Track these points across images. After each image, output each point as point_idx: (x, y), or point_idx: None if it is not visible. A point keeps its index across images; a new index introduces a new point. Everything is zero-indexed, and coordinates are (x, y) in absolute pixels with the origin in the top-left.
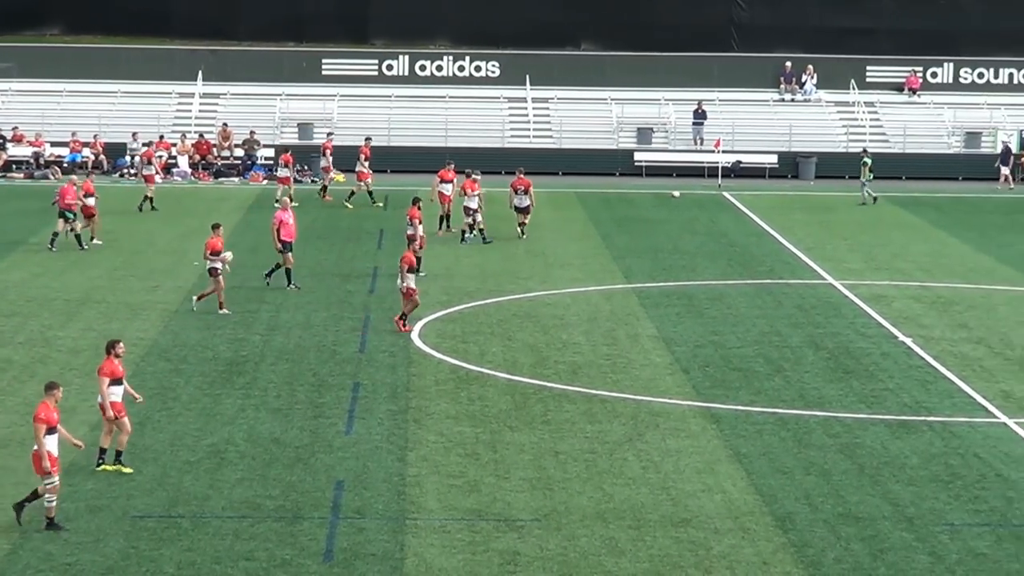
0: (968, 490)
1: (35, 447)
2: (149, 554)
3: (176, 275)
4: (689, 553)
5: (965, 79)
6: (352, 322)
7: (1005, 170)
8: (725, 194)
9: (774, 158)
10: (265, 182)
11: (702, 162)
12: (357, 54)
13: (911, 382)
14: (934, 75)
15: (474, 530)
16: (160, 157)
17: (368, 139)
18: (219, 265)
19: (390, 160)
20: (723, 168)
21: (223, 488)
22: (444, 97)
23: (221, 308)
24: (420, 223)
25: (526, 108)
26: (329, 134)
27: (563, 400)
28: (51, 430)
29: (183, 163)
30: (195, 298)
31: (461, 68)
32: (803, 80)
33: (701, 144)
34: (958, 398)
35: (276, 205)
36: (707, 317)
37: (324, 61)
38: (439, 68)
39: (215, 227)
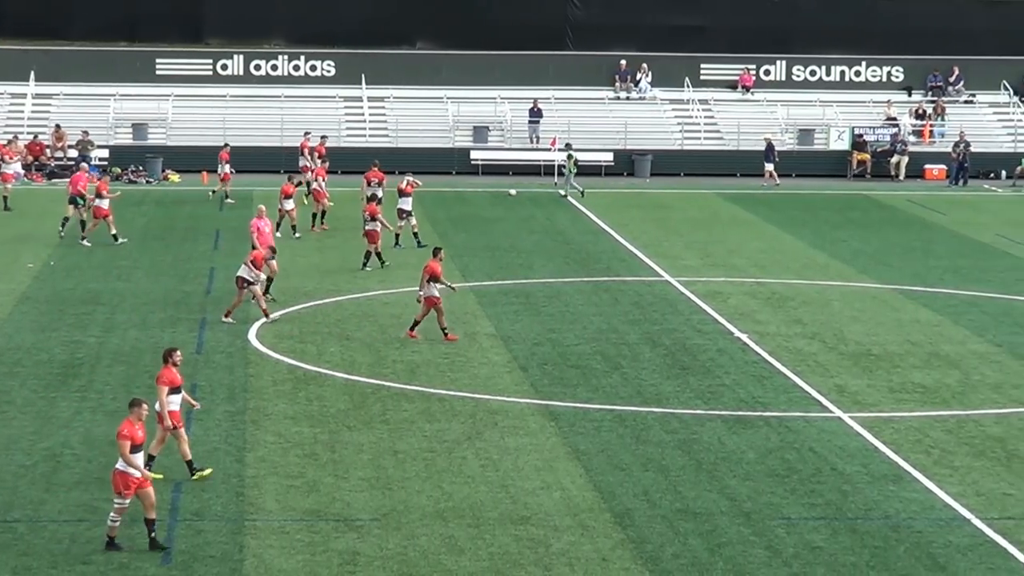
0: (804, 484)
1: (117, 466)
2: None
3: (9, 278)
4: (528, 551)
5: (798, 76)
6: (189, 323)
7: (769, 166)
8: (561, 192)
9: (610, 156)
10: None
11: (538, 160)
12: (191, 54)
13: (747, 378)
14: (767, 73)
15: (313, 530)
16: None
17: (324, 138)
18: (250, 276)
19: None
20: (559, 166)
21: (59, 492)
22: (279, 97)
23: (226, 316)
24: (380, 217)
25: (362, 107)
26: (306, 133)
27: (401, 399)
28: (136, 448)
29: (16, 164)
30: (225, 316)
31: (296, 68)
32: (638, 78)
33: (537, 142)
34: (793, 393)
35: (228, 200)
36: (544, 315)
37: (158, 61)
38: (274, 68)
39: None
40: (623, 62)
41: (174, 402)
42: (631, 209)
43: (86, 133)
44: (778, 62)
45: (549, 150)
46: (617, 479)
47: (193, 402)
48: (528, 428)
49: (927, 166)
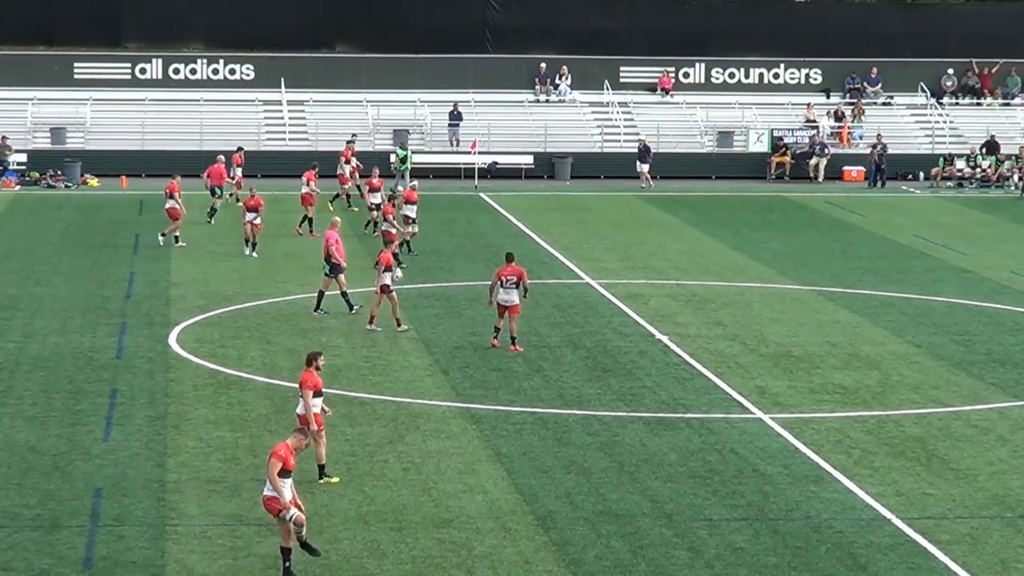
0: (726, 485)
1: (264, 492)
2: None
3: None
4: (451, 554)
5: (716, 79)
6: (109, 328)
7: (643, 168)
8: (482, 195)
9: (530, 159)
10: (18, 187)
11: (459, 163)
12: (109, 57)
13: (668, 380)
14: (686, 75)
15: (235, 535)
16: None
17: (351, 141)
18: (389, 281)
19: (144, 164)
20: (480, 169)
21: None
22: (198, 100)
23: (399, 325)
24: (394, 218)
25: (281, 111)
26: (349, 141)
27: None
28: (286, 473)
29: None
30: (368, 322)
31: (215, 71)
32: (558, 81)
33: (457, 145)
34: (714, 395)
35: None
36: (466, 318)
37: (76, 65)
38: (193, 71)
39: (387, 242)
40: (543, 65)
41: (316, 405)
42: (551, 212)
43: (4, 138)
44: (697, 65)
45: (470, 153)
46: (539, 482)
47: (326, 408)
48: (450, 431)
49: (846, 168)
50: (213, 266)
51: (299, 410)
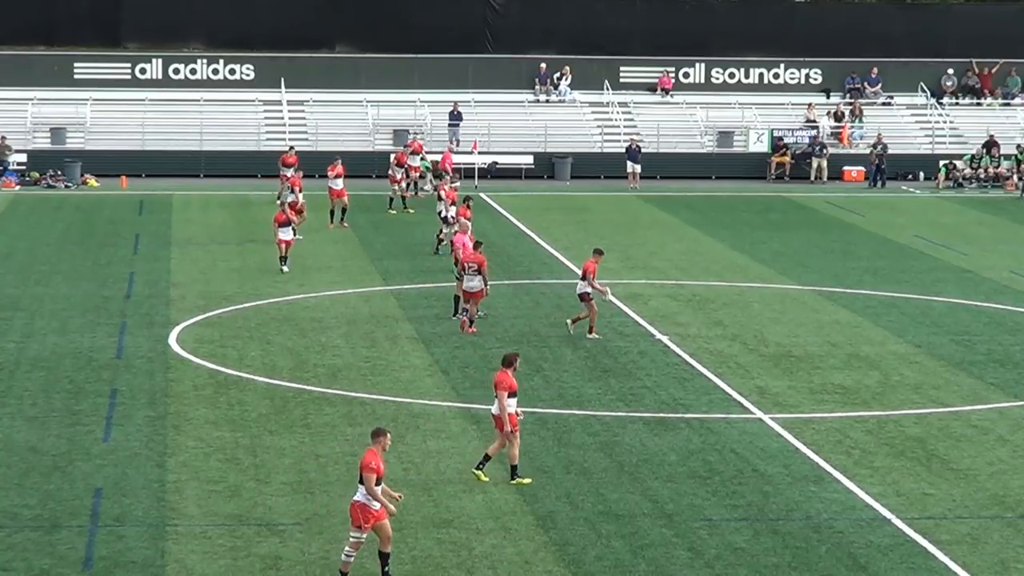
0: (725, 485)
1: (356, 497)
2: None
3: None
4: (451, 554)
5: (716, 79)
6: (109, 328)
7: (633, 168)
8: (482, 195)
9: (530, 159)
10: (18, 187)
11: (459, 163)
12: (109, 57)
13: (668, 380)
14: (686, 75)
15: (235, 535)
16: None
17: (408, 144)
18: (589, 290)
19: (144, 164)
20: (480, 169)
21: None
22: (198, 100)
23: (591, 332)
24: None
25: (281, 111)
26: (405, 146)
27: (323, 403)
28: (378, 480)
29: None
30: (569, 321)
31: (215, 71)
32: (558, 81)
33: (457, 145)
34: (714, 395)
35: (281, 203)
36: None
37: (76, 64)
38: (193, 71)
39: (597, 252)
40: (543, 65)
41: (511, 406)
42: (552, 212)
43: (4, 138)
44: (697, 65)
45: (470, 153)
46: (539, 482)
47: (519, 411)
48: (450, 431)
49: (846, 168)
50: (213, 266)
51: (494, 410)
